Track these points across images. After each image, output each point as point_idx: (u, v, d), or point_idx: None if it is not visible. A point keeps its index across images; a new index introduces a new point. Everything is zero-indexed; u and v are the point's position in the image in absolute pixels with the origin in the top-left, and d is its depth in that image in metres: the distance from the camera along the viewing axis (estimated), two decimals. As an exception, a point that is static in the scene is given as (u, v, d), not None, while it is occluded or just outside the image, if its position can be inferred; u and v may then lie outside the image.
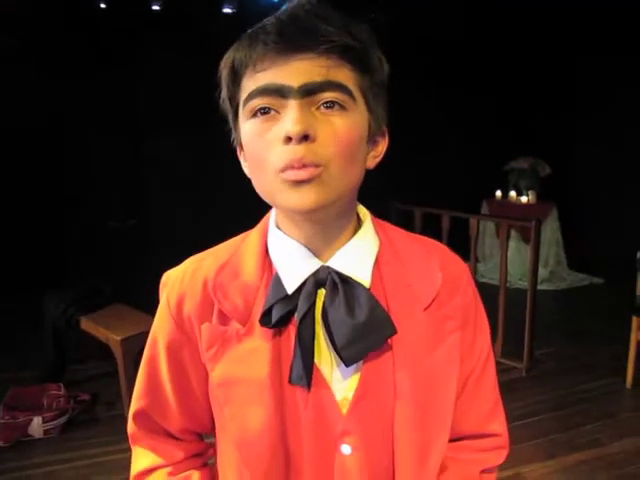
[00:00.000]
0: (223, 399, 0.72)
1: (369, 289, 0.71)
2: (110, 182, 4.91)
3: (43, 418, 2.86)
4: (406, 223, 4.03)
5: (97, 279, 3.92)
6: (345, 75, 0.64)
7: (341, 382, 0.72)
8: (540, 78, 5.94)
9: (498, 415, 0.85)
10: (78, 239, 4.72)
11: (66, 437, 2.88)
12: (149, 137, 5.00)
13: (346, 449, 0.71)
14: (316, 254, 0.72)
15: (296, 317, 0.69)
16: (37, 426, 2.85)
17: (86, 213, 4.85)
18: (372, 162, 0.73)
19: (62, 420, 2.94)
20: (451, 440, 0.80)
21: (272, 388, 0.69)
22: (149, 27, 4.94)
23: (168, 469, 0.82)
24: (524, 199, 5.59)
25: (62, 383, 3.18)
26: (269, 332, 0.71)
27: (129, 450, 0.85)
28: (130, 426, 0.85)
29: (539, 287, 4.61)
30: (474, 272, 3.69)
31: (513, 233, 5.26)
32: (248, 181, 0.72)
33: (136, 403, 0.83)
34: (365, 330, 0.67)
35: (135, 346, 2.89)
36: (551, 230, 5.49)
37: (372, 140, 0.71)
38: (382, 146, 0.73)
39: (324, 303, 0.69)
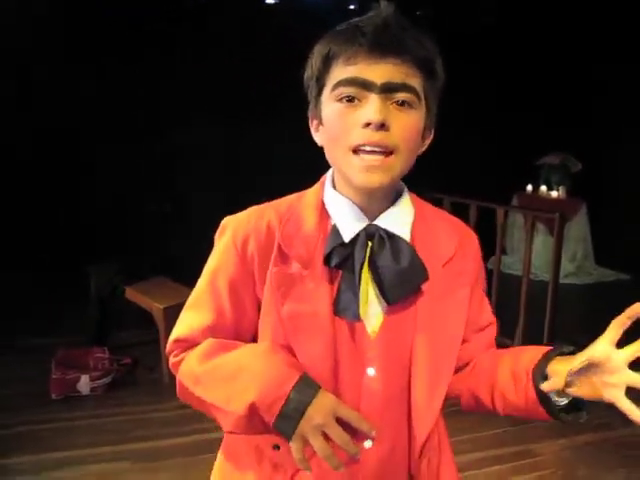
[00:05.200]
0: (292, 330, 0.87)
1: (409, 243, 0.89)
2: (148, 167, 5.13)
3: (90, 377, 3.13)
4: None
5: (138, 255, 4.18)
6: (416, 81, 0.81)
7: (374, 317, 0.89)
8: (577, 76, 5.95)
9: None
10: (124, 219, 4.98)
11: (110, 395, 3.15)
12: (184, 125, 5.16)
13: (371, 371, 0.89)
14: (365, 214, 0.89)
15: (355, 262, 0.86)
16: (85, 383, 3.11)
17: (133, 195, 5.08)
18: (420, 151, 0.91)
19: (107, 380, 3.20)
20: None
21: (332, 321, 0.87)
22: (190, 19, 5.14)
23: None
24: (554, 194, 5.65)
25: (106, 347, 3.44)
26: (326, 275, 0.87)
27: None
28: (194, 339, 0.97)
29: (565, 281, 4.70)
30: (500, 263, 3.79)
31: (541, 227, 5.32)
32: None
33: (206, 320, 0.95)
34: (407, 275, 0.85)
35: (176, 315, 3.10)
36: (579, 225, 5.53)
37: (423, 134, 0.88)
38: (429, 138, 0.91)
39: (372, 252, 0.87)
